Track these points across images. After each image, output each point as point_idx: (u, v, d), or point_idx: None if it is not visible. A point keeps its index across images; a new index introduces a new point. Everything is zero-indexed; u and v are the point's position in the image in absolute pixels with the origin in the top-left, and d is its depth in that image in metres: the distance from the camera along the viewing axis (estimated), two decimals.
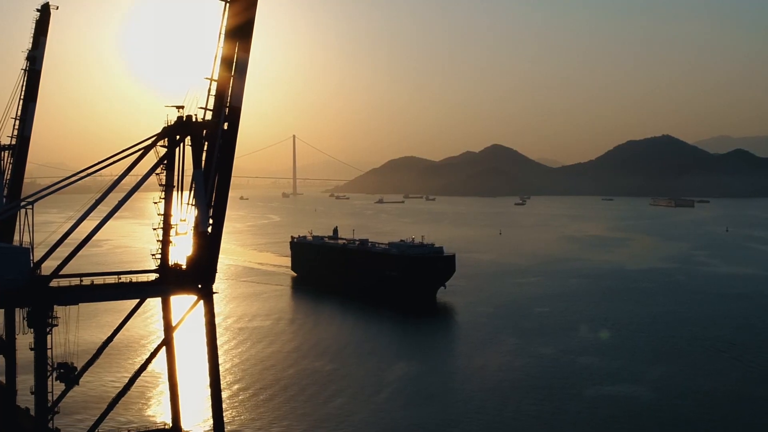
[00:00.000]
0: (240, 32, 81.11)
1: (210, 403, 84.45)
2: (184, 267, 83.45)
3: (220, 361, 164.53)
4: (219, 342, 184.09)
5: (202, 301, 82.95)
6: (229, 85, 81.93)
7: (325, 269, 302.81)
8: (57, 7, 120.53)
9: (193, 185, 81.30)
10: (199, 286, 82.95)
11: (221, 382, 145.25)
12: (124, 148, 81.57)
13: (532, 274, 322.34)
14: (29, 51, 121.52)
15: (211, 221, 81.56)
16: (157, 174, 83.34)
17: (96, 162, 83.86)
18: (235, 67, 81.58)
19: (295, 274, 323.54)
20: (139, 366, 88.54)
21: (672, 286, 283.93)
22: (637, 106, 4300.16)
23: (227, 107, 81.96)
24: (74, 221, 77.67)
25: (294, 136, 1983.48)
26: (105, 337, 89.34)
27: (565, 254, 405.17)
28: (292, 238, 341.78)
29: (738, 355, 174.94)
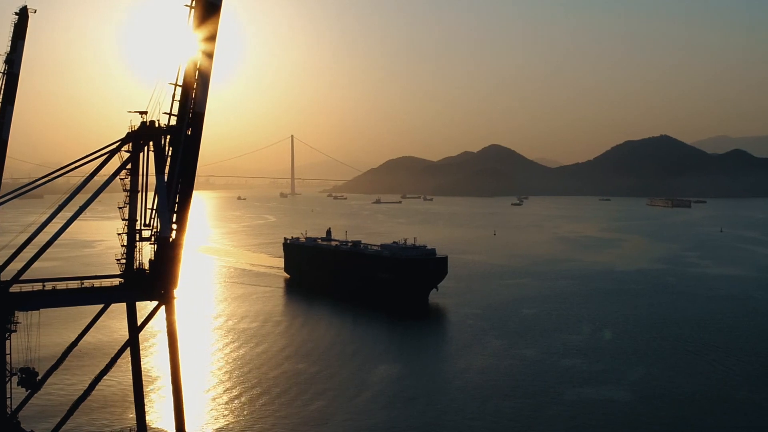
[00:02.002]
0: (204, 40, 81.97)
1: (173, 406, 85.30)
2: (147, 272, 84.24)
3: (204, 362, 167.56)
4: (205, 344, 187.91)
5: (164, 307, 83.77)
6: (193, 91, 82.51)
7: (317, 271, 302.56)
8: (35, 11, 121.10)
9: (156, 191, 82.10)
10: (162, 291, 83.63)
11: (209, 383, 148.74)
12: (90, 152, 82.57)
13: (523, 275, 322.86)
14: (7, 54, 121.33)
15: (174, 227, 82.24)
16: (121, 179, 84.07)
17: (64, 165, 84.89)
18: (199, 73, 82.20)
19: (288, 276, 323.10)
20: (104, 370, 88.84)
21: (659, 288, 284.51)
22: (635, 106, 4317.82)
23: (190, 113, 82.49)
24: (37, 226, 78.24)
25: (292, 136, 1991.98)
26: (69, 342, 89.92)
27: (557, 255, 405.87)
28: (285, 239, 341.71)
29: (718, 357, 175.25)
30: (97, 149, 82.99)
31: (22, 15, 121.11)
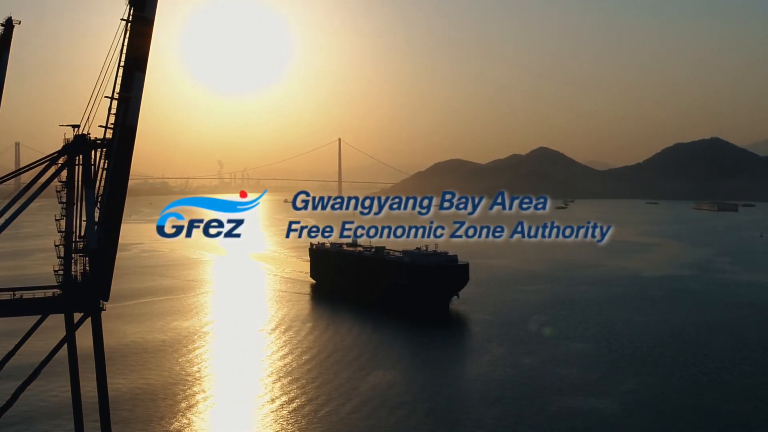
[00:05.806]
0: (137, 54, 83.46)
1: (99, 418, 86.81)
2: (79, 283, 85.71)
3: (221, 366, 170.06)
4: (230, 345, 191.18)
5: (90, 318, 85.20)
6: (126, 105, 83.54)
7: (341, 277, 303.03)
8: (19, 22, 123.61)
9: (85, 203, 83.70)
10: (89, 303, 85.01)
11: (225, 387, 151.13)
12: (28, 163, 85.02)
13: (546, 281, 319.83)
14: None
15: (104, 239, 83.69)
16: (58, 191, 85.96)
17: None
18: (132, 86, 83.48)
19: (314, 282, 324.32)
20: (27, 381, 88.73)
21: (680, 294, 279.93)
22: (686, 107, 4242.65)
23: (120, 126, 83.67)
24: None
25: (339, 139, 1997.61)
26: (3, 354, 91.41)
27: (585, 261, 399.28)
28: (311, 245, 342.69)
29: (719, 369, 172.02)
30: (34, 161, 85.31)
31: (7, 26, 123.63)
